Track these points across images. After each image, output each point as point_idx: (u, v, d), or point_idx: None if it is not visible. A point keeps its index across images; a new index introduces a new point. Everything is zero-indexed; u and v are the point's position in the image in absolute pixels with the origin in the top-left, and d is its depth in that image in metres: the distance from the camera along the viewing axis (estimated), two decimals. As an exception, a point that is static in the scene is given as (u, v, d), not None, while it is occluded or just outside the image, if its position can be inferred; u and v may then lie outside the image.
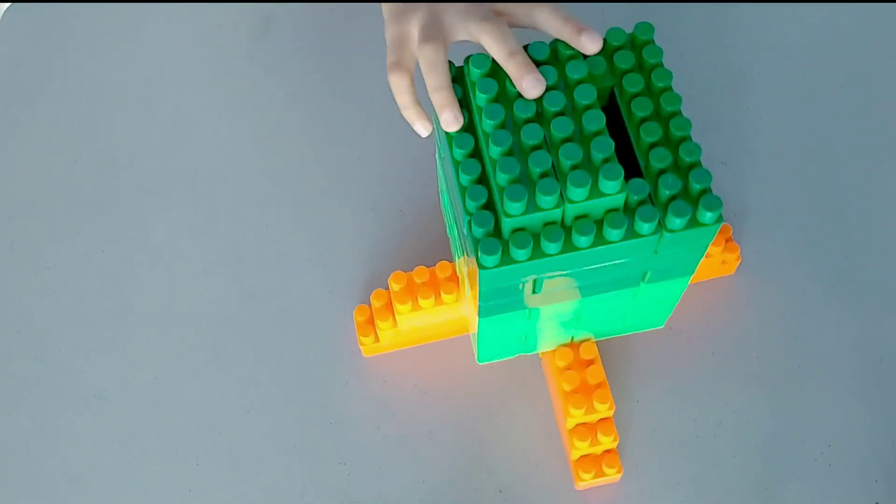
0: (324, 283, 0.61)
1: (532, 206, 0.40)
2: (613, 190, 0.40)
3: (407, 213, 0.63)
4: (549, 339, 0.53)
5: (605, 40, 0.45)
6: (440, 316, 0.55)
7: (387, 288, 0.57)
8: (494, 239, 0.40)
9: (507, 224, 0.40)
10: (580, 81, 0.43)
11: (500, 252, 0.40)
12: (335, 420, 0.56)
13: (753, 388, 0.56)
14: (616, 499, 0.53)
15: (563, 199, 0.40)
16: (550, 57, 0.44)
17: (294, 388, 0.58)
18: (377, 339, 0.57)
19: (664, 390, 0.56)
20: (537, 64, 0.44)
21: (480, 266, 0.40)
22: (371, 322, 0.57)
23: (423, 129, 0.47)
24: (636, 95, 0.43)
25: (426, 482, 0.54)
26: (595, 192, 0.40)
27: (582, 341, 0.54)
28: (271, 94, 0.70)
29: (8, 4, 0.76)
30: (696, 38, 0.71)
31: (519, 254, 0.40)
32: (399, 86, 0.46)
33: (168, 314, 0.61)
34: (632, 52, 0.45)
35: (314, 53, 0.71)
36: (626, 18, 0.72)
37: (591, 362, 0.53)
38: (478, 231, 0.40)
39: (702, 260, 0.55)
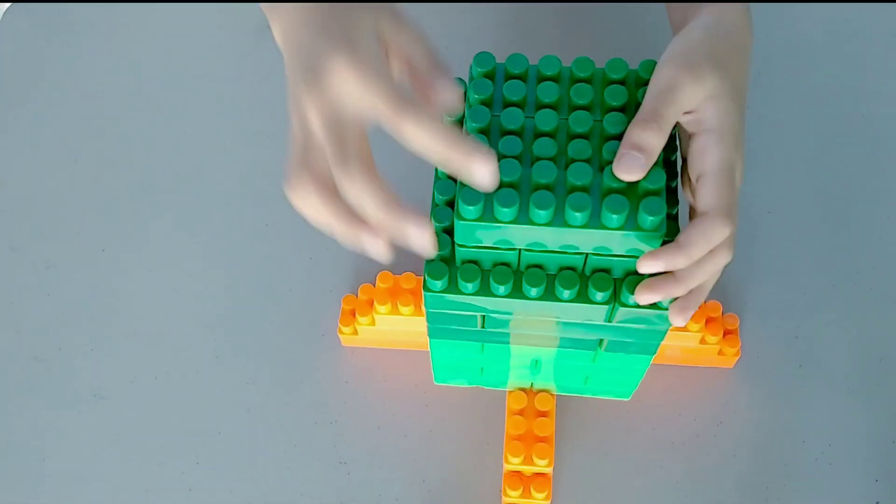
0: (324, 283, 0.61)
1: (489, 214, 0.37)
2: (578, 223, 0.37)
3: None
4: (508, 378, 0.52)
5: (636, 73, 0.41)
6: (418, 325, 0.54)
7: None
8: (444, 264, 0.40)
9: (460, 253, 0.40)
10: (581, 107, 0.40)
11: (447, 278, 0.40)
12: (335, 419, 0.56)
13: (753, 388, 0.56)
14: (616, 497, 0.53)
15: (521, 213, 0.37)
16: (558, 74, 0.41)
17: (294, 388, 0.58)
18: (355, 332, 0.57)
19: (664, 390, 0.56)
20: (544, 78, 0.41)
21: (425, 287, 0.40)
22: (353, 314, 0.57)
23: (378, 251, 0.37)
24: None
25: (426, 482, 0.54)
26: (559, 220, 0.37)
27: (541, 390, 0.53)
28: (271, 93, 0.69)
29: (8, 4, 0.76)
30: (696, 39, 0.70)
31: (466, 286, 0.40)
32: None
33: (168, 313, 0.61)
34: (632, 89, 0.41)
35: (314, 53, 0.71)
36: (626, 18, 0.72)
37: (543, 414, 0.52)
38: None
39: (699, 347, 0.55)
